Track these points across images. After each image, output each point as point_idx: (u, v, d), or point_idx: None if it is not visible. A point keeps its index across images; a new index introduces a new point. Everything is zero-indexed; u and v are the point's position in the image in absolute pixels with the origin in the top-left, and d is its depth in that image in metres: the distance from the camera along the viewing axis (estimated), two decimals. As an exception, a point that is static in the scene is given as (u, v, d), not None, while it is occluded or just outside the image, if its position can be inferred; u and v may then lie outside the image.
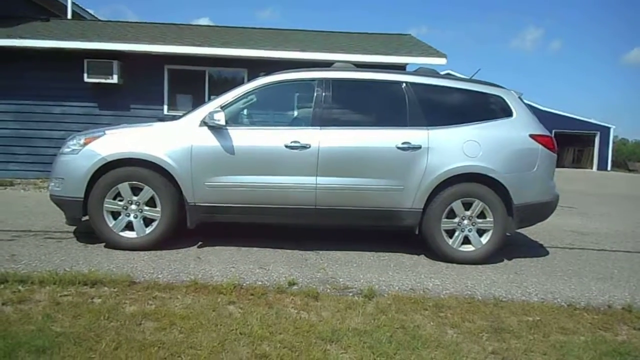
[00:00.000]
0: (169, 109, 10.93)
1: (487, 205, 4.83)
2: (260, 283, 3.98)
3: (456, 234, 4.89)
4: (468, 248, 4.91)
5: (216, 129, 4.72)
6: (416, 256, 5.08)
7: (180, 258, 4.58)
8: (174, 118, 5.11)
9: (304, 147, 4.73)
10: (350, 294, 3.86)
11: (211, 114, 4.66)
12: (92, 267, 4.10)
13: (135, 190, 4.73)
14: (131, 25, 12.62)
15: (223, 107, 4.77)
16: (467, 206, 4.86)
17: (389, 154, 4.78)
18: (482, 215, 4.88)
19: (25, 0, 12.89)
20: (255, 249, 5.00)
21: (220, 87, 11.28)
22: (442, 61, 10.81)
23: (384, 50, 11.24)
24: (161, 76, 10.92)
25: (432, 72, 5.37)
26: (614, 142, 37.73)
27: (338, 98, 4.96)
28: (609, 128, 35.84)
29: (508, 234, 5.02)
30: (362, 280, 4.19)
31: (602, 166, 35.27)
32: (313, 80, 5.00)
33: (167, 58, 10.74)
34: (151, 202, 4.75)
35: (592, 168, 35.39)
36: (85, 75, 10.32)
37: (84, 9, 15.39)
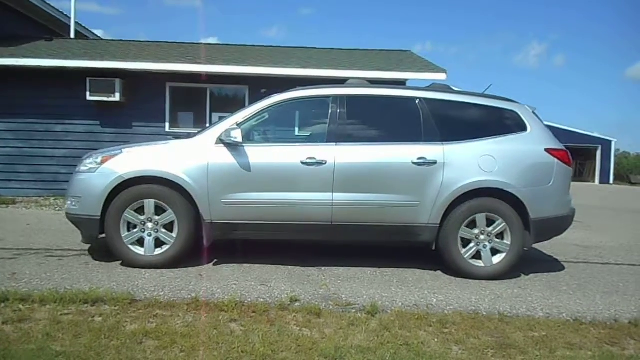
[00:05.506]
0: (170, 127, 10.99)
1: (503, 219, 4.79)
2: (262, 300, 3.95)
3: (473, 249, 4.85)
4: (486, 263, 4.86)
5: (233, 146, 4.73)
6: (419, 271, 5.04)
7: (181, 275, 4.55)
8: (188, 135, 5.12)
9: (320, 163, 4.73)
10: (353, 311, 3.83)
11: (228, 131, 4.68)
12: (93, 285, 4.07)
13: (157, 210, 4.73)
14: (134, 45, 12.74)
15: (239, 125, 4.79)
16: (484, 221, 4.82)
17: (404, 169, 4.78)
18: (499, 230, 4.83)
19: (30, 21, 13.03)
20: (257, 265, 4.98)
21: (222, 104, 11.36)
22: (442, 76, 10.84)
23: (384, 66, 11.32)
24: (163, 94, 10.99)
25: (445, 88, 5.36)
26: (615, 156, 37.69)
27: (353, 114, 4.97)
28: (610, 141, 35.84)
29: (525, 248, 4.97)
30: (364, 297, 4.15)
31: (604, 179, 35.19)
32: (328, 97, 5.02)
33: (169, 76, 10.82)
34: (169, 226, 4.75)
35: (594, 181, 35.31)
36: (88, 93, 10.40)
37: (87, 29, 15.56)
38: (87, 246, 5.45)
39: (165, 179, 4.69)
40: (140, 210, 4.73)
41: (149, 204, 4.71)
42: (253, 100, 10.66)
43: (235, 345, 3.08)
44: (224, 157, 4.74)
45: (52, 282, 4.20)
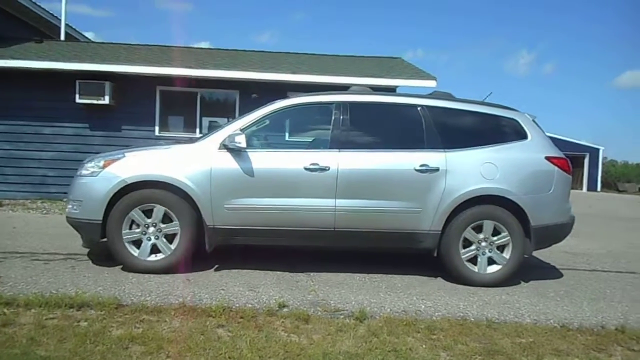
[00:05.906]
0: (160, 130, 10.94)
1: (506, 229, 4.82)
2: (250, 305, 3.93)
3: (472, 253, 4.86)
4: (486, 270, 4.87)
5: (236, 152, 4.72)
6: (408, 277, 5.04)
7: (168, 280, 4.51)
8: (189, 140, 5.08)
9: (323, 169, 4.73)
10: (342, 317, 3.81)
11: (231, 136, 4.67)
12: (79, 290, 4.02)
13: (164, 218, 4.69)
14: (124, 47, 12.68)
15: (243, 130, 4.78)
16: (491, 229, 4.84)
17: (407, 176, 4.79)
18: (498, 234, 4.86)
19: (19, 22, 12.93)
20: (245, 270, 4.95)
21: (212, 108, 11.35)
22: (432, 84, 10.90)
23: (375, 72, 11.36)
24: (153, 97, 10.94)
25: (447, 95, 5.39)
26: (603, 163, 38.05)
27: (356, 121, 4.98)
28: (598, 149, 36.20)
29: (525, 255, 5.00)
30: (353, 302, 4.15)
31: (591, 187, 35.51)
32: (331, 103, 5.04)
33: (159, 80, 10.78)
34: (170, 237, 4.72)
35: (582, 189, 35.61)
36: (77, 96, 10.33)
37: (77, 31, 15.47)
38: (74, 250, 5.39)
39: (168, 183, 4.66)
40: (147, 213, 4.69)
41: (159, 210, 4.67)
42: (243, 105, 10.72)
43: (222, 351, 3.06)
44: (227, 162, 4.72)
45: (38, 286, 4.15)
